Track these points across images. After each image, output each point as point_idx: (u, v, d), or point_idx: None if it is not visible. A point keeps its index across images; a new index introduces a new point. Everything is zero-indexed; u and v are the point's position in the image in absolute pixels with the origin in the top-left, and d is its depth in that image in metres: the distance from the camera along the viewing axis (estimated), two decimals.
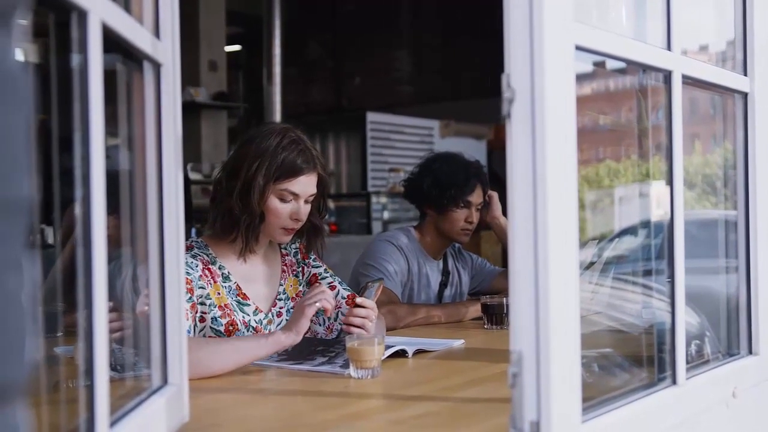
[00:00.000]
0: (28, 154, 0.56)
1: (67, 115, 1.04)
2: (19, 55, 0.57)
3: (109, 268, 1.06)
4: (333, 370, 1.92)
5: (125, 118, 1.36)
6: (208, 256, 2.22)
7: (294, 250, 2.43)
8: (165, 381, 1.37)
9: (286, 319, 2.30)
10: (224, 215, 2.21)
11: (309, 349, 2.11)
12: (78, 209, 1.01)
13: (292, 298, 2.36)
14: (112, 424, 1.09)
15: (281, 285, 2.36)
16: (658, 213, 1.90)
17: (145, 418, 1.23)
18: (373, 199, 7.44)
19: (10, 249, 0.53)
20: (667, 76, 1.52)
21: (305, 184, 2.21)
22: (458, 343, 2.35)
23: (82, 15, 0.99)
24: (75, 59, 1.02)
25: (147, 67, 1.34)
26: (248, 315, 2.23)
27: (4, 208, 0.53)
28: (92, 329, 1.01)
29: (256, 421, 1.58)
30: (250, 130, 2.29)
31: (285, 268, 2.39)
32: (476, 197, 3.02)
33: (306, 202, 2.23)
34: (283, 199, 2.20)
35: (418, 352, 2.18)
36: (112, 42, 1.11)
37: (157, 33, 1.35)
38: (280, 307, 2.34)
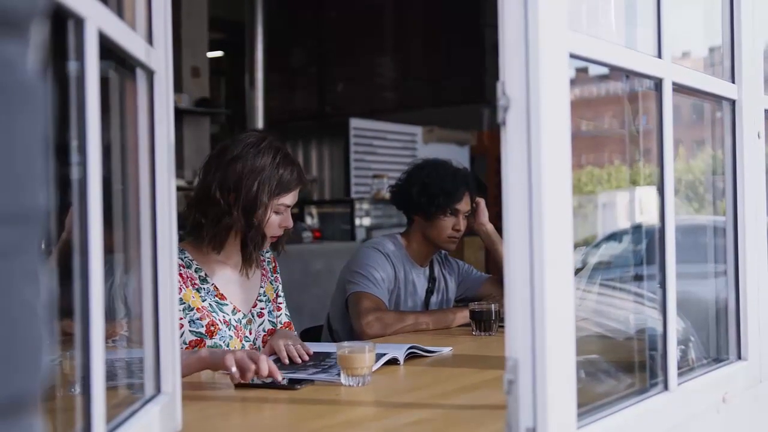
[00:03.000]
0: (44, 164, 0.56)
1: (61, 121, 1.03)
2: (35, 65, 0.56)
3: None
4: (330, 378, 1.91)
5: (117, 125, 1.35)
6: (183, 259, 2.25)
7: (268, 259, 2.51)
8: (158, 390, 1.37)
9: (269, 320, 2.40)
10: (225, 230, 2.25)
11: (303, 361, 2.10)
12: (74, 216, 1.01)
13: (272, 300, 2.44)
14: None
15: (262, 287, 2.43)
16: (642, 219, 1.91)
17: (140, 427, 1.22)
18: (357, 205, 7.41)
19: (27, 259, 0.53)
20: (658, 83, 1.53)
21: (295, 195, 2.33)
22: (447, 350, 2.35)
23: (79, 22, 0.99)
24: (71, 66, 1.01)
25: (140, 74, 1.33)
26: (227, 314, 2.28)
27: (21, 218, 0.53)
28: (89, 338, 1.00)
29: (249, 430, 1.58)
30: (234, 145, 2.29)
31: (264, 272, 2.46)
32: (464, 205, 3.02)
33: (291, 210, 2.34)
34: (277, 212, 2.29)
35: (410, 356, 2.18)
36: (106, 49, 1.11)
37: (150, 40, 1.35)
38: (261, 308, 2.40)
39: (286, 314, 2.51)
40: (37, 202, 0.55)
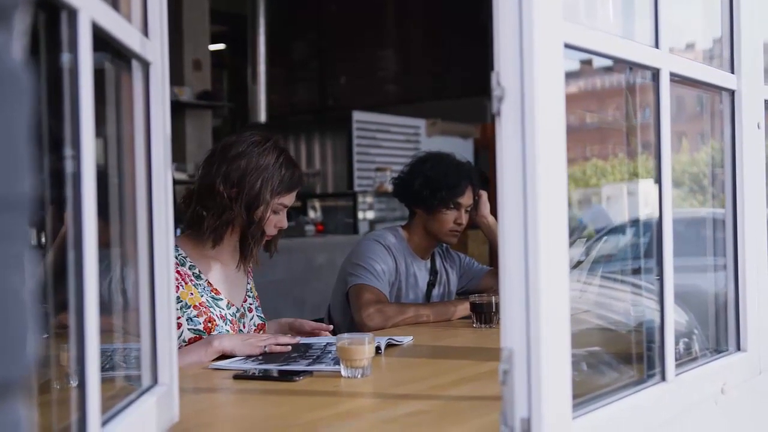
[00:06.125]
0: (29, 153, 0.57)
1: (55, 114, 1.03)
2: (20, 54, 0.57)
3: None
4: (329, 368, 1.91)
5: (113, 118, 1.35)
6: (177, 257, 2.26)
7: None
8: (155, 381, 1.37)
9: (257, 315, 2.45)
10: (225, 224, 2.28)
11: (284, 355, 2.10)
12: (68, 210, 1.01)
13: (256, 297, 2.50)
14: (104, 423, 1.09)
15: (248, 283, 2.47)
16: (645, 211, 1.91)
17: (136, 417, 1.22)
18: (360, 198, 7.41)
19: (12, 246, 0.54)
20: (655, 73, 1.52)
21: (294, 197, 2.37)
22: (407, 340, 2.37)
23: (72, 13, 0.99)
24: (64, 58, 1.01)
25: (135, 66, 1.33)
26: (223, 309, 2.31)
27: (7, 205, 0.53)
28: (83, 330, 1.00)
29: (247, 421, 1.58)
30: (237, 142, 2.32)
31: (250, 270, 2.50)
32: (466, 199, 3.02)
33: (288, 209, 2.38)
34: (275, 212, 2.32)
35: (389, 346, 2.23)
36: (101, 40, 1.11)
37: (145, 32, 1.35)
38: (250, 304, 2.45)
39: (259, 316, 2.52)
40: (22, 190, 0.55)
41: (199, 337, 2.21)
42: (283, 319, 2.53)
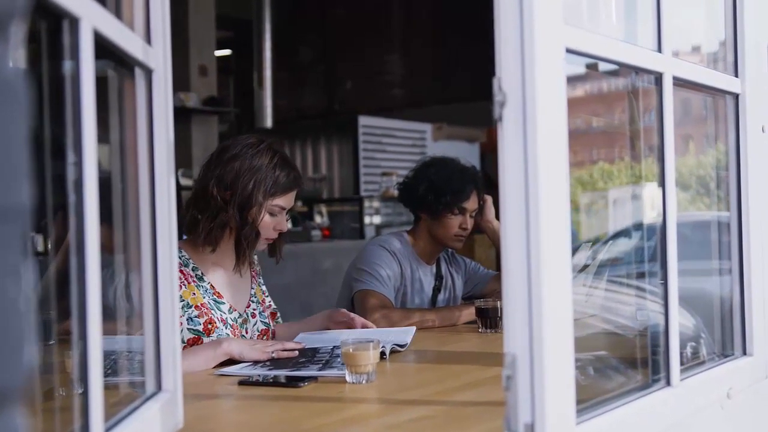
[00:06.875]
0: (26, 161, 0.57)
1: (58, 121, 1.03)
2: (17, 63, 0.57)
3: (101, 275, 1.06)
4: (339, 374, 1.91)
5: (116, 125, 1.36)
6: (180, 258, 2.27)
7: (255, 262, 2.56)
8: (159, 387, 1.37)
9: (261, 321, 2.45)
10: (220, 227, 2.28)
11: (293, 361, 2.09)
12: (71, 217, 1.01)
13: (261, 302, 2.48)
14: (107, 430, 1.09)
15: (252, 288, 2.47)
16: (651, 215, 1.91)
17: (140, 424, 1.22)
18: (366, 203, 7.41)
19: (9, 255, 0.54)
20: (658, 78, 1.52)
21: (292, 198, 2.36)
22: (411, 331, 2.40)
23: (74, 22, 0.99)
24: (66, 65, 1.02)
25: (138, 73, 1.34)
26: (224, 313, 2.31)
27: (3, 215, 0.53)
28: (86, 337, 1.01)
29: (251, 427, 1.58)
30: (233, 145, 2.34)
31: (254, 274, 2.50)
32: (471, 204, 3.01)
33: (287, 213, 2.37)
34: (272, 213, 2.32)
35: (394, 351, 2.22)
36: (103, 48, 1.11)
37: (148, 39, 1.35)
38: (254, 309, 2.45)
39: (263, 321, 2.51)
40: (19, 199, 0.55)
41: (198, 338, 2.21)
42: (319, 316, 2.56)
